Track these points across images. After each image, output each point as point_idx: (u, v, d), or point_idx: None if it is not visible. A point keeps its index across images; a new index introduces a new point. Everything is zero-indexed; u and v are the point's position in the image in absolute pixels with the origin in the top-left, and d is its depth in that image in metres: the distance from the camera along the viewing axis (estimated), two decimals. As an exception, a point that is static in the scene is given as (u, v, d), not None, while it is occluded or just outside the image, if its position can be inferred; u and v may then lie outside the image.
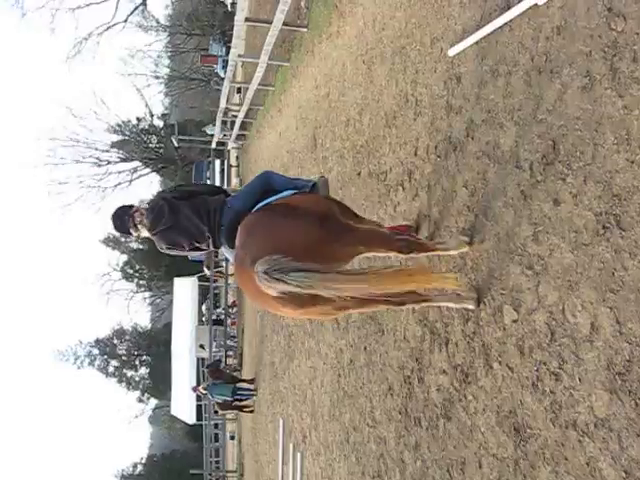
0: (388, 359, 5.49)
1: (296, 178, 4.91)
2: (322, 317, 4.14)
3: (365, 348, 6.16)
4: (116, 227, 4.90)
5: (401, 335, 5.22)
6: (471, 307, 4.02)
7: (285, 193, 4.27)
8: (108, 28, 48.56)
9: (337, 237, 3.79)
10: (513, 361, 3.52)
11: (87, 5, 47.59)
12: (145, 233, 4.84)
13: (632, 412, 2.60)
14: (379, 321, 5.80)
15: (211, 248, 4.81)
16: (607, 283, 2.80)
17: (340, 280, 3.29)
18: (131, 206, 4.89)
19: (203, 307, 38.47)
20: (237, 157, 29.61)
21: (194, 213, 4.59)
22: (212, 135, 32.85)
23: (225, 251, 4.81)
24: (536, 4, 3.59)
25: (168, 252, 4.99)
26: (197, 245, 4.76)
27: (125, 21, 49.41)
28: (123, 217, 4.81)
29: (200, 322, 35.18)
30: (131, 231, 4.87)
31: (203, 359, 31.76)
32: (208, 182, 33.84)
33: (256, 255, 3.44)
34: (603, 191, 2.88)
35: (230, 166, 35.64)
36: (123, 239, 58.56)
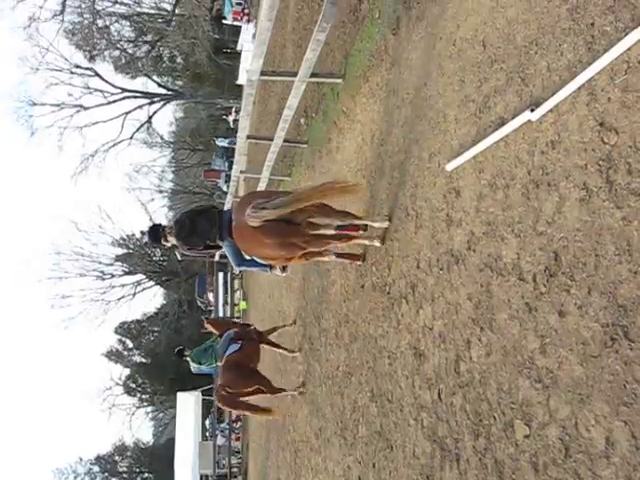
0: (398, 476, 5.32)
1: None
2: (293, 252, 6.09)
3: (374, 465, 5.97)
4: (151, 238, 7.22)
5: (410, 451, 5.07)
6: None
7: None
8: (114, 145, 50.08)
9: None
10: (527, 478, 3.39)
11: (94, 124, 49.23)
12: (173, 241, 6.87)
13: (655, 533, 2.49)
14: (387, 436, 5.65)
15: (219, 243, 6.80)
16: (619, 396, 2.74)
17: (297, 198, 5.42)
18: (160, 224, 7.30)
19: (207, 422, 37.68)
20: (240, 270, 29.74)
21: (206, 222, 6.67)
22: (221, 147, 33.88)
23: (226, 246, 6.82)
24: (529, 120, 3.69)
25: (188, 252, 7.32)
26: (209, 244, 6.82)
27: (131, 138, 51.02)
28: (157, 231, 7.02)
29: (204, 437, 34.38)
30: (162, 241, 6.97)
31: (207, 476, 30.85)
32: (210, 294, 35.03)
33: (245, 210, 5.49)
34: (608, 302, 2.87)
35: (233, 278, 35.82)
36: (125, 352, 58.21)
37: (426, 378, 4.86)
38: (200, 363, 11.93)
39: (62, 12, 44.57)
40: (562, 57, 3.43)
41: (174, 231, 6.79)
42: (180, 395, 34.09)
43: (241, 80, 34.01)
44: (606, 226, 2.94)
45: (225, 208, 18.32)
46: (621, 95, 2.94)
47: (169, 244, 7.03)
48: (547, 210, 3.42)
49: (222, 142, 37.42)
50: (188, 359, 12.03)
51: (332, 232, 6.18)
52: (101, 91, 49.69)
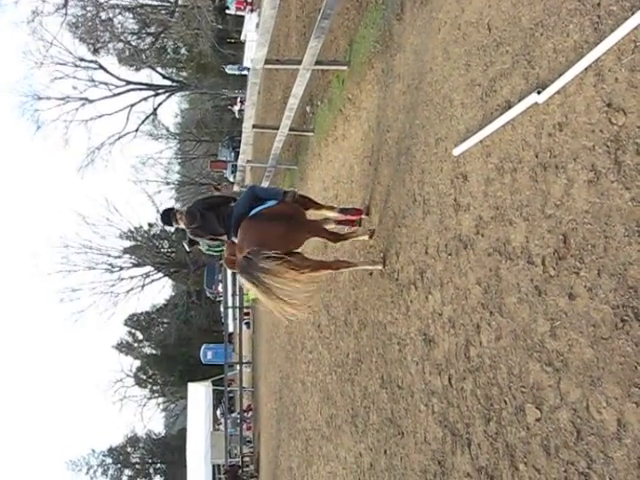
0: (409, 462, 5.33)
1: (271, 188, 8.31)
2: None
3: (385, 451, 5.99)
4: (163, 220, 7.76)
5: (422, 437, 5.08)
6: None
7: (269, 203, 6.49)
8: (120, 138, 50.13)
9: (296, 229, 6.34)
10: (539, 462, 3.40)
11: (99, 116, 49.27)
12: (182, 226, 7.49)
13: (668, 513, 2.49)
14: (398, 423, 5.66)
15: (225, 238, 7.23)
16: (630, 378, 2.73)
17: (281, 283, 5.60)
18: (173, 208, 7.80)
19: (218, 412, 37.86)
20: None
21: (215, 219, 7.03)
22: (232, 74, 33.99)
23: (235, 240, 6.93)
24: (536, 102, 3.66)
25: (194, 238, 7.77)
26: (213, 237, 7.37)
27: (136, 130, 51.06)
28: (169, 214, 7.57)
29: (215, 427, 34.52)
30: (173, 223, 7.56)
31: (219, 465, 31.01)
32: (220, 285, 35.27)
33: (248, 247, 5.84)
34: (618, 284, 2.85)
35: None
36: (135, 344, 58.49)
37: (436, 364, 4.86)
38: (209, 246, 14.28)
39: (65, 5, 44.56)
40: (568, 38, 3.40)
41: (185, 220, 7.35)
42: (191, 386, 34.22)
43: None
44: (615, 207, 2.92)
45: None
46: (628, 75, 2.92)
47: (179, 226, 7.66)
48: (555, 193, 3.40)
49: (232, 70, 37.41)
50: (200, 245, 14.50)
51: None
52: (106, 84, 49.72)
